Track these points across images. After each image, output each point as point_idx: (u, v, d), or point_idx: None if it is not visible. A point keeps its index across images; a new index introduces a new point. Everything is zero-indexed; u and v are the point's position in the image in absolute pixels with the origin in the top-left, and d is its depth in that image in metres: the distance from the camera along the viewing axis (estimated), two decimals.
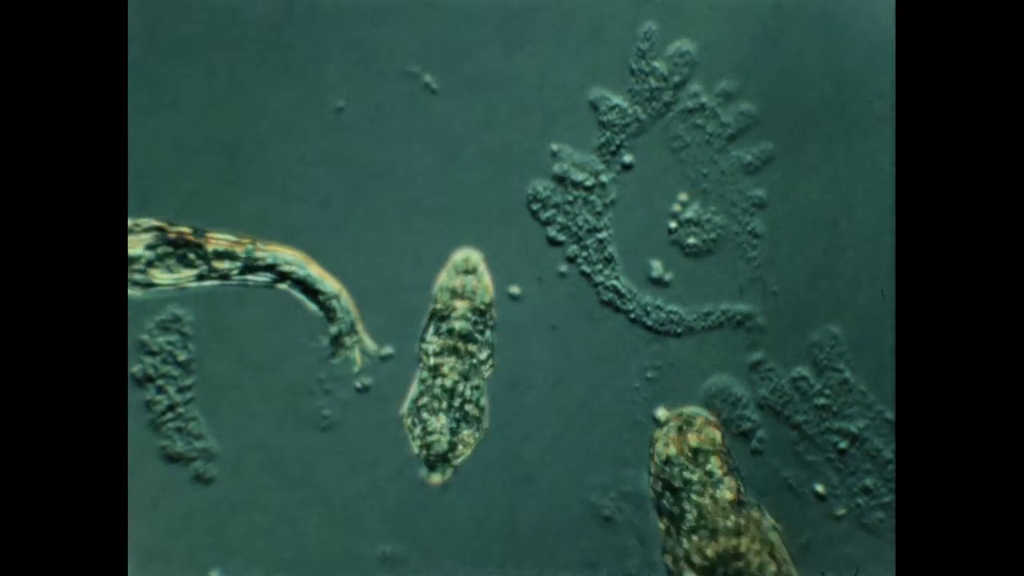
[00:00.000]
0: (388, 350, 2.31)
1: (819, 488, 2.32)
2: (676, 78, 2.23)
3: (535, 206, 2.25)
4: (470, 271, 2.28)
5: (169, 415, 2.27)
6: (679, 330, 2.29)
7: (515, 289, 2.32)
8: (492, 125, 2.30)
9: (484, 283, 2.29)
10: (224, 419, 2.29)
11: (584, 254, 2.26)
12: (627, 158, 2.24)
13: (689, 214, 2.29)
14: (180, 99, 2.25)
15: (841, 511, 2.32)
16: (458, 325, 2.28)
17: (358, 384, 2.31)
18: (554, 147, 2.25)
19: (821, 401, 2.31)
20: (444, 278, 2.29)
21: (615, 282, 2.27)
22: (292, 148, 2.27)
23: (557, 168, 2.21)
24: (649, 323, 2.29)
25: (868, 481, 2.32)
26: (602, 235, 2.25)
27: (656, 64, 2.21)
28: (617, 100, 2.24)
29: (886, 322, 2.29)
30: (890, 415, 2.30)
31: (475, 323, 2.29)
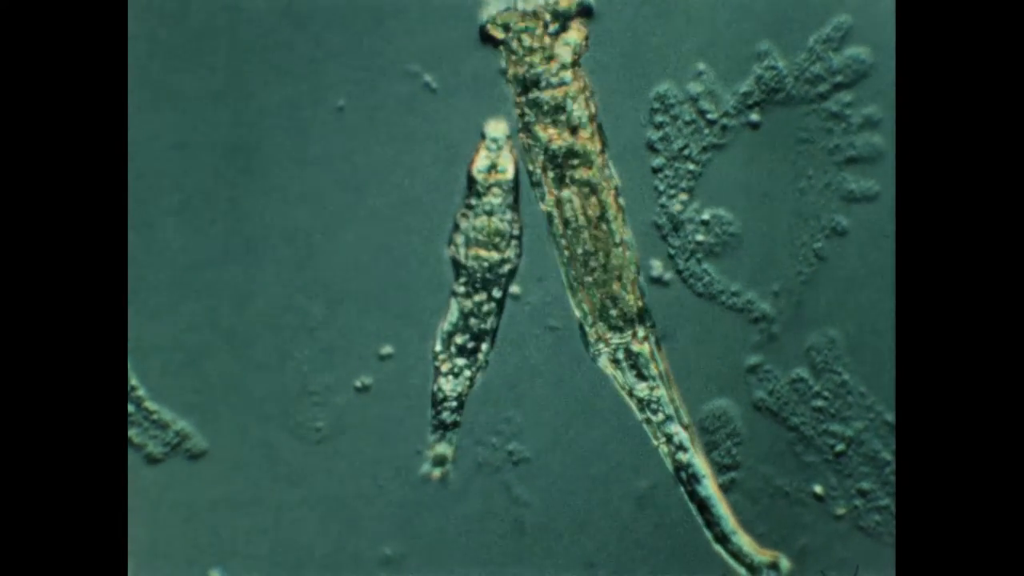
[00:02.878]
0: (388, 350, 2.31)
1: (817, 489, 2.32)
2: (840, 78, 2.23)
3: (656, 104, 2.24)
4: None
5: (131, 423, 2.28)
6: (700, 289, 2.29)
7: (515, 289, 2.32)
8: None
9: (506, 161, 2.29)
10: (224, 420, 2.30)
11: (667, 172, 2.25)
12: (755, 117, 2.24)
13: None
14: (180, 99, 2.25)
15: (841, 510, 2.32)
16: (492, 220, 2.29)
17: (358, 384, 2.31)
18: (701, 66, 2.24)
19: (819, 403, 2.31)
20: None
21: (674, 210, 2.27)
22: (292, 148, 2.27)
23: (693, 87, 2.21)
24: (680, 267, 2.28)
25: (865, 484, 2.31)
26: (692, 167, 2.24)
27: (832, 56, 2.21)
28: (781, 64, 2.23)
29: (886, 323, 2.29)
30: (889, 417, 2.30)
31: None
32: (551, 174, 2.25)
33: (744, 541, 2.30)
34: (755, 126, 2.25)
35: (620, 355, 2.29)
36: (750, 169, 2.29)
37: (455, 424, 2.32)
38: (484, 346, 2.32)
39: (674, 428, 2.30)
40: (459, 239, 2.29)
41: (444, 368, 2.31)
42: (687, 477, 2.30)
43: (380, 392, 2.32)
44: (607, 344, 2.29)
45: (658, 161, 2.26)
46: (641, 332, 2.29)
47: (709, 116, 2.24)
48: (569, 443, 2.33)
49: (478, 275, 2.29)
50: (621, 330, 2.29)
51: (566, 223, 2.27)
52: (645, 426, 2.30)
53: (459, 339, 2.31)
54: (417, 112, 2.29)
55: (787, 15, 2.25)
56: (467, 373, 2.31)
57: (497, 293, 2.31)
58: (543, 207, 2.27)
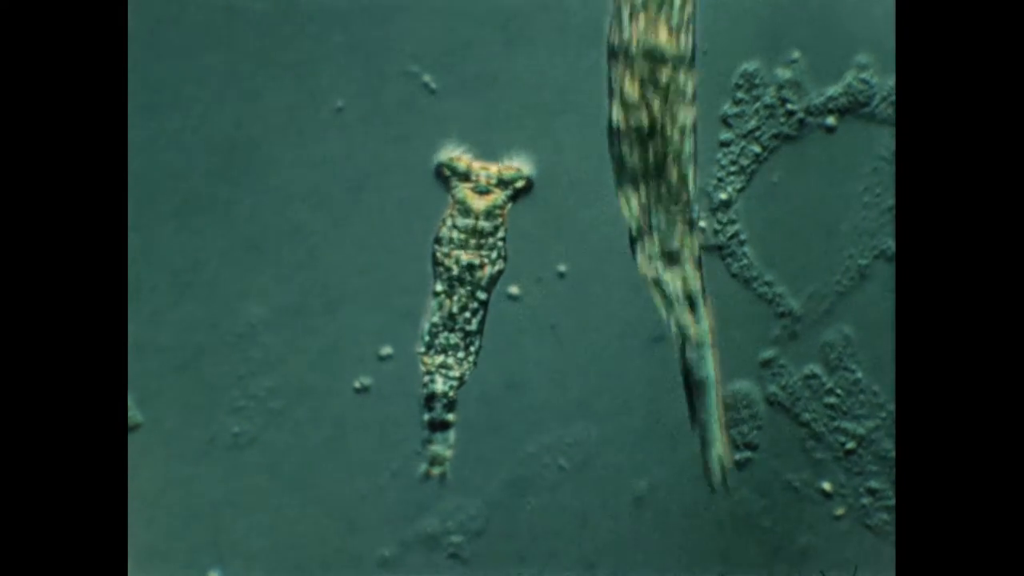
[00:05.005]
0: (387, 350, 2.31)
1: (825, 486, 2.32)
2: None
3: (740, 80, 2.24)
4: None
5: None
6: (733, 271, 2.29)
7: (514, 289, 2.32)
8: (491, 125, 2.30)
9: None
10: (223, 420, 2.30)
11: (733, 148, 2.24)
12: (831, 121, 2.25)
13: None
14: (180, 99, 2.25)
15: (840, 511, 2.33)
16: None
17: (357, 384, 2.31)
18: (796, 54, 2.23)
19: (831, 400, 2.32)
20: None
21: (729, 188, 2.27)
22: (292, 148, 2.27)
23: (780, 72, 2.21)
24: (719, 243, 2.29)
25: (874, 483, 2.32)
26: (756, 149, 2.25)
27: None
28: (875, 81, 2.24)
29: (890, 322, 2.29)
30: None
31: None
32: (627, 72, 2.23)
33: (721, 448, 2.30)
34: (830, 130, 2.25)
35: (656, 251, 2.28)
36: (816, 169, 2.29)
37: (447, 424, 2.32)
38: (472, 347, 2.32)
39: (688, 320, 2.29)
40: (443, 240, 2.30)
41: (431, 367, 2.31)
42: (689, 371, 2.30)
43: (379, 393, 2.32)
44: (652, 241, 2.27)
45: (727, 136, 2.26)
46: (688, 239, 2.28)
47: (789, 106, 2.24)
48: (571, 442, 2.33)
49: (455, 273, 2.29)
50: (667, 225, 2.27)
51: (630, 121, 2.25)
52: (664, 315, 2.29)
53: (442, 339, 2.31)
54: (416, 113, 2.29)
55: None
56: (455, 372, 2.32)
57: (482, 295, 2.32)
58: (612, 107, 2.25)
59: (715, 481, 2.31)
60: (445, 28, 2.27)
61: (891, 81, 2.25)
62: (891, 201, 2.27)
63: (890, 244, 2.28)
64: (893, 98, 2.24)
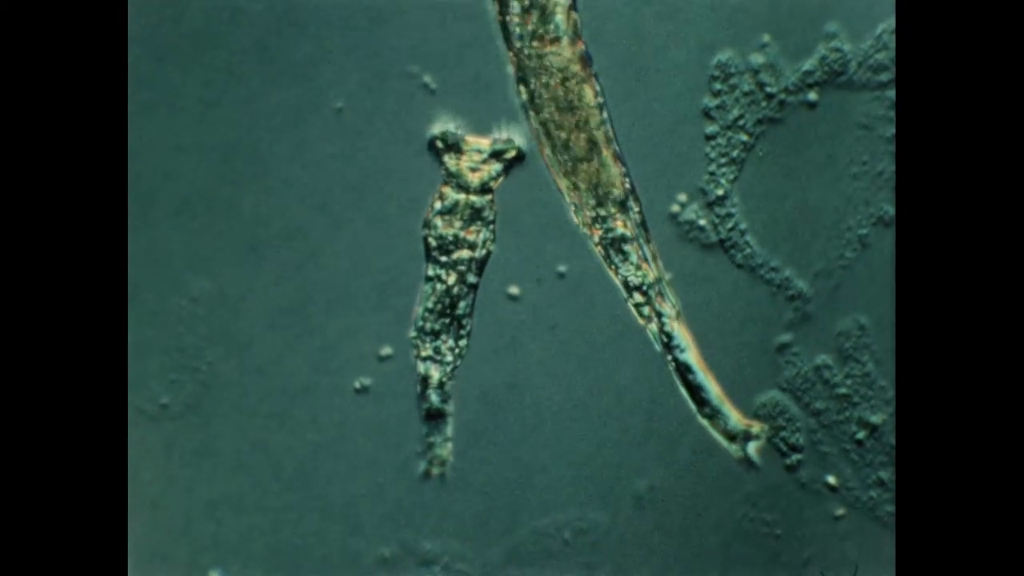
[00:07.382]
0: (387, 350, 2.31)
1: (831, 480, 2.33)
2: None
3: (716, 72, 2.25)
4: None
5: None
6: (738, 259, 2.29)
7: (514, 289, 2.33)
8: (492, 125, 2.30)
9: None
10: (224, 419, 2.30)
11: (719, 140, 2.25)
12: (813, 96, 2.25)
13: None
14: (180, 99, 2.25)
15: (841, 510, 2.33)
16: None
17: (357, 384, 2.31)
18: (766, 38, 2.23)
19: (842, 391, 2.32)
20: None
21: (722, 180, 2.27)
22: (292, 148, 2.28)
23: (754, 58, 2.21)
24: (722, 236, 2.29)
25: (883, 474, 2.32)
26: (743, 137, 2.25)
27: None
28: (846, 47, 2.24)
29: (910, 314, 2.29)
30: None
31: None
32: (525, 62, 2.24)
33: (731, 413, 2.31)
34: (812, 105, 2.26)
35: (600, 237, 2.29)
36: (803, 147, 2.29)
37: (443, 414, 2.32)
38: (463, 331, 2.32)
39: (661, 305, 2.29)
40: (435, 219, 2.30)
41: (423, 353, 2.31)
42: (674, 358, 2.31)
43: (379, 393, 2.32)
44: (591, 228, 2.28)
45: (712, 129, 2.26)
46: (621, 216, 2.28)
47: (768, 89, 2.24)
48: (570, 442, 2.33)
49: (446, 251, 2.29)
50: (603, 212, 2.28)
51: (537, 107, 2.25)
52: (632, 308, 2.30)
53: (431, 324, 2.32)
54: (416, 113, 2.29)
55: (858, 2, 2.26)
56: (448, 358, 2.32)
57: (472, 279, 2.31)
58: (521, 93, 2.26)
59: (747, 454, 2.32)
60: (445, 28, 2.27)
61: (863, 44, 2.25)
62: (880, 166, 2.27)
63: (886, 209, 2.28)
64: (869, 62, 2.24)
